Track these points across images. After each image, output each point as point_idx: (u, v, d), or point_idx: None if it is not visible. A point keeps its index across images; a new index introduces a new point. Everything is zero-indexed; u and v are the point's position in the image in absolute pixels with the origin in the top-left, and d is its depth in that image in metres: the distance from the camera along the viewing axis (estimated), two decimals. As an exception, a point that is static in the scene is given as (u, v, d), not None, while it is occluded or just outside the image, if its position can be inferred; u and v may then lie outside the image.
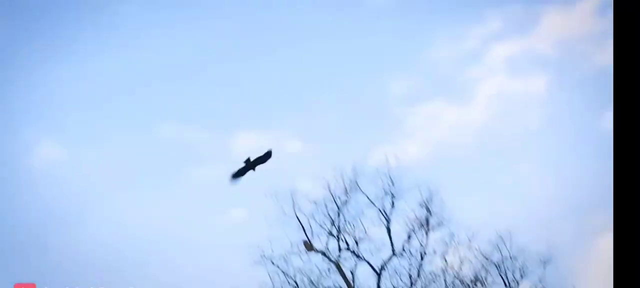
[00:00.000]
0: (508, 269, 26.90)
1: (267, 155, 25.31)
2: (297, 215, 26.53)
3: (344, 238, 26.59)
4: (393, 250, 26.51)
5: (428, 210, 26.54)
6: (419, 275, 26.49)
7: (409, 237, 26.61)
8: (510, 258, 26.92)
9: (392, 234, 26.53)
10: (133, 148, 37.50)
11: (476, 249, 26.70)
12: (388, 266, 26.48)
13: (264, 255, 26.36)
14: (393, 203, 26.55)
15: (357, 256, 26.52)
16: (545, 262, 26.79)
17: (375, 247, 26.55)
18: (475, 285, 26.73)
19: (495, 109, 40.82)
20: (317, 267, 26.52)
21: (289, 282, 26.49)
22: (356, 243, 26.58)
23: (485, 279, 26.85)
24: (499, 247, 26.83)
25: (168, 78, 38.93)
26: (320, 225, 26.62)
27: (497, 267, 26.86)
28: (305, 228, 26.58)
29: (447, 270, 26.56)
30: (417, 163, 26.62)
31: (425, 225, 26.53)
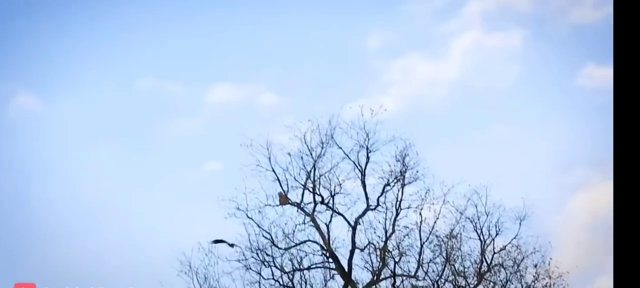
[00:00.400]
0: (483, 225, 26.95)
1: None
2: (273, 168, 26.30)
3: (319, 191, 26.44)
4: (368, 204, 26.41)
5: (403, 163, 26.32)
6: (394, 229, 26.41)
7: (384, 190, 26.51)
8: (486, 213, 26.91)
9: (367, 188, 26.46)
10: (110, 101, 37.31)
11: (451, 204, 26.69)
12: (363, 220, 26.43)
13: (239, 208, 26.19)
14: (368, 156, 26.35)
15: (332, 209, 26.39)
16: (520, 219, 26.84)
17: (351, 200, 26.50)
18: (450, 240, 26.67)
19: (470, 63, 40.69)
20: (292, 220, 26.45)
21: (263, 235, 26.40)
22: (331, 196, 26.43)
23: (460, 234, 26.91)
24: (474, 202, 26.83)
25: (145, 32, 38.50)
26: (295, 178, 26.41)
27: (472, 222, 26.91)
28: (280, 180, 26.38)
29: (422, 225, 26.56)
30: (393, 116, 26.31)
31: (401, 179, 26.34)
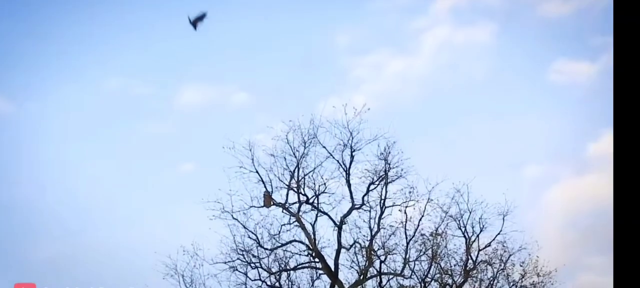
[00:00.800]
0: (467, 222, 26.97)
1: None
2: (256, 169, 26.30)
3: (304, 191, 26.44)
4: (353, 203, 26.42)
5: (386, 161, 26.33)
6: (379, 228, 26.45)
7: (369, 189, 26.48)
8: (469, 210, 26.93)
9: (352, 187, 26.50)
10: (78, 102, 37.29)
11: (436, 202, 26.68)
12: (348, 219, 26.45)
13: (224, 210, 26.16)
14: (352, 155, 26.38)
15: (317, 209, 26.40)
16: (503, 214, 26.82)
17: (335, 199, 26.49)
18: (435, 238, 26.66)
19: (441, 59, 40.76)
20: (278, 221, 26.49)
21: (249, 236, 26.41)
22: (316, 196, 26.42)
23: (445, 232, 26.89)
24: (456, 200, 26.83)
25: (113, 32, 38.61)
26: (279, 179, 26.44)
27: (456, 220, 26.91)
28: (265, 181, 26.41)
29: (407, 223, 26.58)
30: (368, 115, 26.02)
31: (384, 177, 26.35)
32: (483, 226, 26.77)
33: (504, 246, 26.81)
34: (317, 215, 26.24)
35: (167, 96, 40.59)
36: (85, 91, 39.23)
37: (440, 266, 26.67)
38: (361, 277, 26.22)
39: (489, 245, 26.74)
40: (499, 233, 26.63)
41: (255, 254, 26.26)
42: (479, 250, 26.77)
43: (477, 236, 26.82)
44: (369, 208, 26.35)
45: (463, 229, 26.79)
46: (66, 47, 38.45)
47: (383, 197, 26.30)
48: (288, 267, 26.39)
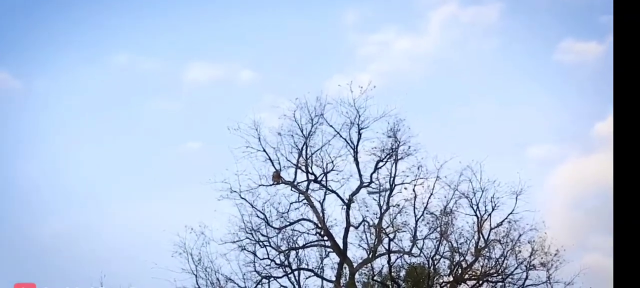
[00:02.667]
0: (479, 200, 26.70)
1: None
2: (263, 148, 26.15)
3: (312, 169, 26.29)
4: (361, 181, 26.21)
5: (395, 139, 26.04)
6: (388, 206, 26.23)
7: (377, 167, 26.28)
8: (481, 189, 26.64)
9: (360, 165, 26.32)
10: (87, 78, 37.24)
11: (444, 180, 26.38)
12: (357, 197, 26.28)
13: (232, 189, 26.05)
14: (360, 133, 26.14)
15: (326, 187, 26.24)
16: (516, 194, 26.49)
17: (344, 177, 26.35)
18: (445, 216, 26.45)
19: (448, 37, 40.18)
20: (286, 199, 26.40)
21: (257, 215, 26.35)
22: (324, 174, 26.28)
23: (454, 210, 26.69)
24: (468, 178, 26.49)
25: (121, 8, 38.35)
26: (287, 158, 26.30)
27: (467, 198, 26.64)
28: (272, 160, 26.27)
29: (415, 201, 26.34)
30: (375, 92, 25.67)
31: (394, 154, 26.08)
32: (495, 205, 26.60)
33: (514, 225, 26.63)
34: (325, 193, 26.29)
35: (174, 72, 40.49)
36: (93, 67, 39.24)
37: (451, 244, 26.56)
38: (370, 255, 26.18)
39: (501, 224, 26.61)
40: (511, 213, 26.49)
41: (264, 233, 26.32)
42: (491, 229, 26.63)
43: (489, 215, 26.68)
44: (377, 187, 26.25)
45: (475, 208, 26.63)
46: (74, 23, 38.36)
47: (392, 175, 26.21)
48: (297, 246, 26.42)
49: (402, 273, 27.10)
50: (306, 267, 26.51)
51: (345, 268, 25.98)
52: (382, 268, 26.72)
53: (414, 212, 26.33)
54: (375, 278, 26.75)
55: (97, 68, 39.27)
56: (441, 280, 26.71)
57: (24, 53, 37.65)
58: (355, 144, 26.18)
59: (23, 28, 37.62)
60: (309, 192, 26.30)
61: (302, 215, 26.45)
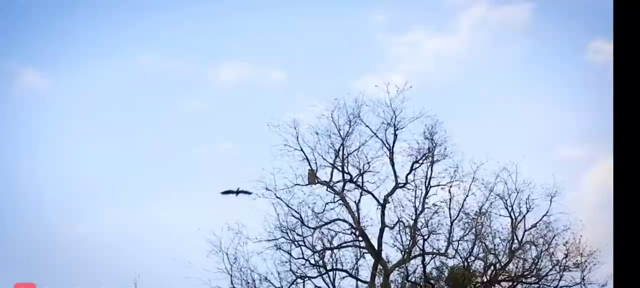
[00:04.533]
0: (513, 202, 26.68)
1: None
2: (301, 147, 26.09)
3: (348, 170, 26.28)
4: (397, 182, 26.16)
5: (432, 140, 26.04)
6: (423, 207, 26.23)
7: (413, 168, 26.22)
8: (516, 190, 26.63)
9: (395, 166, 26.25)
10: (113, 77, 37.13)
11: (481, 181, 26.37)
12: (392, 198, 26.24)
13: (268, 188, 25.98)
14: (395, 134, 26.09)
15: (361, 188, 26.18)
16: (551, 196, 26.54)
17: (379, 178, 26.32)
18: (480, 217, 26.46)
19: (478, 38, 40.06)
20: (322, 199, 26.32)
21: (293, 214, 26.28)
22: (360, 174, 26.22)
23: (490, 211, 26.69)
24: (503, 179, 26.48)
25: (148, 9, 38.20)
26: (324, 157, 26.25)
27: (503, 199, 26.59)
28: (309, 160, 26.18)
29: (451, 202, 26.35)
30: (408, 93, 25.62)
31: (430, 156, 26.03)
32: (530, 206, 26.58)
33: (548, 226, 26.66)
34: (361, 193, 26.30)
35: (203, 73, 40.34)
36: (119, 67, 39.13)
37: (485, 245, 26.55)
38: (405, 256, 26.15)
39: (535, 225, 26.59)
40: (546, 214, 26.48)
41: (299, 232, 26.28)
42: (525, 231, 26.63)
43: (524, 216, 26.64)
44: (413, 187, 26.22)
45: (509, 209, 26.61)
46: (100, 22, 38.24)
47: (428, 176, 26.16)
48: (332, 246, 26.35)
49: (435, 273, 27.06)
50: (341, 267, 26.43)
51: (379, 269, 25.99)
52: (416, 270, 26.78)
53: (449, 213, 26.39)
54: (410, 279, 26.70)
55: (122, 67, 39.11)
56: (476, 281, 26.67)
57: (52, 52, 37.51)
58: (391, 144, 26.22)
59: (51, 28, 37.50)
60: (345, 192, 26.28)
61: (337, 215, 26.48)
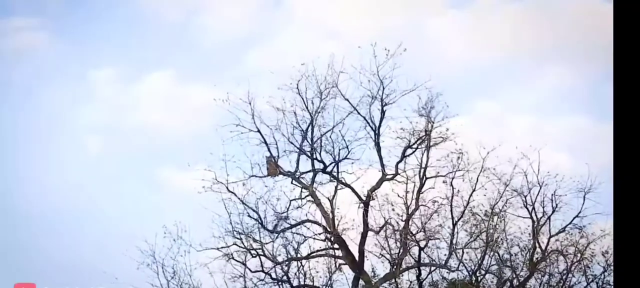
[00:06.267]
0: (535, 199, 23.18)
1: None
2: (258, 128, 22.63)
3: (320, 157, 23.05)
4: (384, 173, 22.94)
5: (428, 119, 22.56)
6: (418, 205, 22.87)
7: (405, 154, 22.98)
8: (538, 184, 23.00)
9: (382, 151, 22.98)
10: None
11: (492, 172, 22.78)
12: (377, 194, 22.93)
13: (217, 179, 22.46)
14: (383, 110, 22.64)
15: (337, 180, 22.93)
16: (584, 191, 22.83)
17: (361, 168, 23.08)
18: (492, 218, 22.94)
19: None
20: (286, 195, 22.96)
21: (249, 215, 22.84)
22: (336, 163, 23.00)
23: (505, 211, 23.13)
24: (522, 170, 22.86)
25: None
26: (289, 140, 22.91)
27: (521, 195, 23.10)
28: (268, 144, 22.81)
29: (454, 199, 22.98)
30: (402, 58, 21.96)
31: (426, 139, 22.69)
32: (556, 205, 23.05)
33: (581, 231, 23.12)
34: (336, 187, 22.98)
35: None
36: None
37: (498, 255, 23.18)
38: (394, 268, 22.91)
39: (564, 229, 23.13)
40: (577, 215, 22.93)
41: (257, 238, 23.01)
42: (551, 236, 23.17)
43: (549, 218, 23.16)
44: (405, 179, 22.82)
45: (530, 208, 23.21)
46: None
47: (424, 165, 22.87)
48: (299, 255, 23.29)
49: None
50: (311, 283, 23.32)
51: (361, 285, 22.97)
52: (410, 286, 23.41)
53: (452, 214, 22.97)
54: None
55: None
56: None
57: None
58: (377, 124, 22.89)
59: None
60: (315, 186, 23.06)
61: (306, 215, 23.22)
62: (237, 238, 22.85)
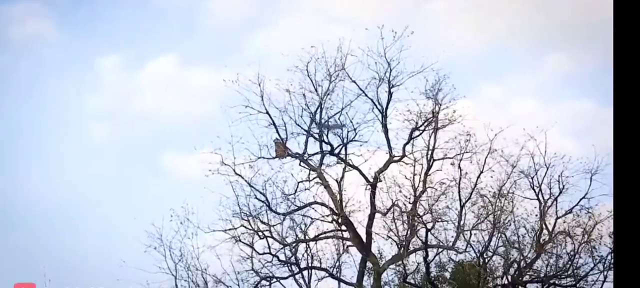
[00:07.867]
0: (542, 181, 22.81)
1: None
2: (267, 109, 21.98)
3: (328, 139, 22.60)
4: (391, 154, 22.45)
5: (436, 101, 22.05)
6: (425, 187, 22.40)
7: (412, 136, 22.48)
8: (545, 166, 22.66)
9: (389, 133, 22.49)
10: None
11: (500, 153, 22.37)
12: (385, 175, 22.48)
13: (224, 162, 21.95)
14: (390, 92, 22.09)
15: (345, 162, 22.43)
16: (591, 172, 22.39)
17: (369, 150, 22.58)
18: (499, 200, 22.57)
19: None
20: (293, 177, 22.48)
21: (257, 197, 22.38)
22: (343, 145, 22.52)
23: (512, 193, 22.79)
24: (529, 151, 22.50)
25: None
26: (296, 122, 22.34)
27: (528, 177, 22.71)
28: (277, 125, 22.19)
29: (461, 180, 22.48)
30: (409, 40, 21.33)
31: (433, 121, 22.19)
32: (563, 186, 22.66)
33: (588, 212, 22.69)
34: (344, 169, 22.50)
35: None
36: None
37: (505, 236, 22.91)
38: (401, 250, 22.51)
39: (571, 210, 22.73)
40: (584, 196, 22.51)
41: (265, 220, 22.65)
42: (558, 218, 22.75)
43: (555, 199, 22.76)
44: (412, 161, 22.39)
45: (537, 190, 22.82)
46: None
47: (432, 147, 22.37)
48: (306, 237, 22.98)
49: (443, 273, 24.03)
50: (318, 265, 23.18)
51: (369, 267, 22.73)
52: (417, 267, 23.32)
53: (459, 195, 22.51)
54: (408, 279, 23.14)
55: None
56: (494, 282, 23.21)
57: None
58: (385, 106, 22.33)
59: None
60: (323, 168, 22.52)
61: (314, 197, 22.80)
62: (245, 221, 22.50)
